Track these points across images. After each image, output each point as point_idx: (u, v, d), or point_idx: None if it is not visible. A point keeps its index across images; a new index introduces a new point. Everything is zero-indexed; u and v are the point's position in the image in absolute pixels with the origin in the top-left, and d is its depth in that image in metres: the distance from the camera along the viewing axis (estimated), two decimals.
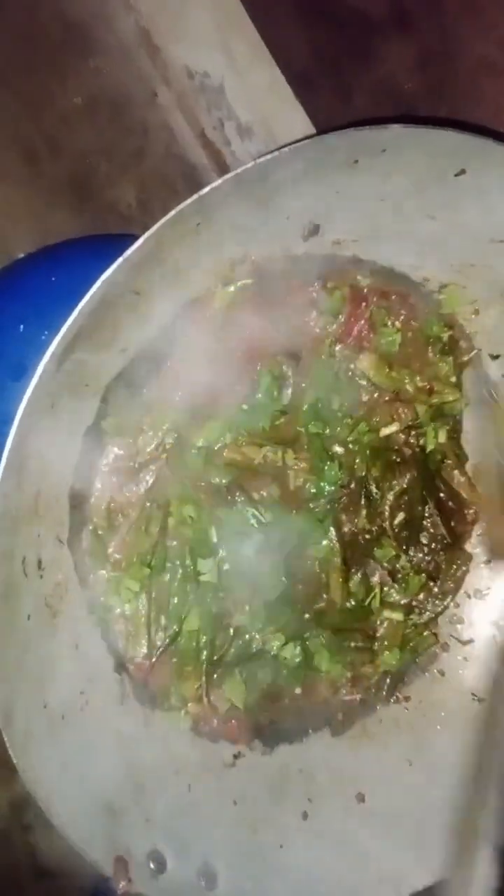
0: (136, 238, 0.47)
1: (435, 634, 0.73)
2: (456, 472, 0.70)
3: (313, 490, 0.65)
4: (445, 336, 0.69)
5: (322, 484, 0.65)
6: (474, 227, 0.60)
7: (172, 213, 0.46)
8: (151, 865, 0.58)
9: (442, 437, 0.68)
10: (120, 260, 0.46)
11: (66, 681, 0.58)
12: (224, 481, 0.64)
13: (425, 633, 0.72)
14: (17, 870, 1.12)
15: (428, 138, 0.50)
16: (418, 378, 0.69)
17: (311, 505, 0.65)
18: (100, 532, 0.60)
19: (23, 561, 0.53)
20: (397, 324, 0.68)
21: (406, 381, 0.68)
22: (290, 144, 0.46)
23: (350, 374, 0.68)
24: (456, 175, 0.54)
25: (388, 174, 0.54)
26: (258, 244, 0.58)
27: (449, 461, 0.69)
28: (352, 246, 0.63)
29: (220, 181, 0.46)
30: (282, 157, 0.47)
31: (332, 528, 0.67)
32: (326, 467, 0.64)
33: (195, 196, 0.46)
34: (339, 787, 0.70)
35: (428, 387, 0.69)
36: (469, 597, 0.75)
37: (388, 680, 0.72)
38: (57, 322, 0.49)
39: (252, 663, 0.66)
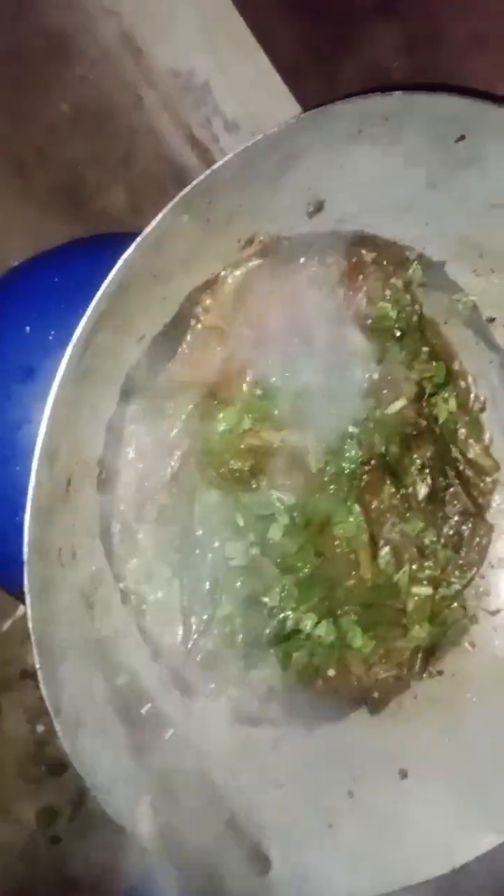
0: (135, 237, 0.47)
1: (463, 607, 0.73)
2: (471, 440, 0.70)
3: (334, 471, 0.65)
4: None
5: (343, 464, 0.65)
6: (475, 193, 0.61)
7: (185, 190, 0.47)
8: None
9: (452, 406, 0.69)
10: (138, 240, 0.46)
11: (108, 671, 0.58)
12: (245, 467, 0.64)
13: (453, 606, 0.72)
14: (45, 882, 1.12)
15: (429, 104, 0.50)
16: (400, 350, 0.69)
17: (334, 486, 0.65)
18: (129, 521, 0.60)
19: (58, 553, 0.53)
20: (397, 296, 0.68)
21: (389, 351, 0.68)
22: (296, 116, 0.47)
23: (349, 349, 0.68)
24: (456, 141, 0.55)
25: (390, 144, 0.54)
26: (265, 223, 0.59)
27: (463, 429, 0.70)
28: (355, 221, 0.63)
29: (229, 156, 0.47)
30: (288, 130, 0.47)
31: (356, 507, 0.66)
32: (345, 447, 0.64)
33: (207, 172, 0.46)
34: (381, 765, 0.70)
35: (408, 360, 0.69)
36: (493, 567, 0.76)
37: (419, 655, 0.72)
38: (63, 322, 0.50)
39: (287, 644, 0.66)
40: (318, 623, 0.66)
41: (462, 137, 0.55)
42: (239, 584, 0.64)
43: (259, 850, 0.61)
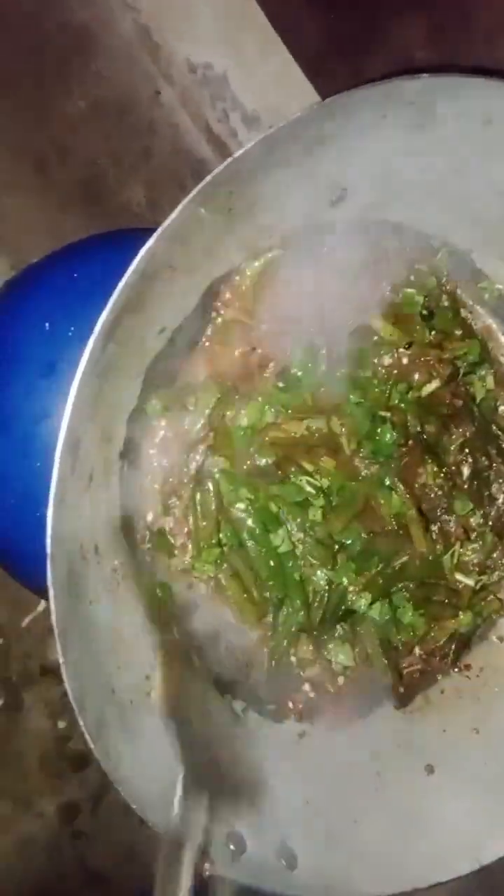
0: (154, 232, 0.47)
1: (500, 599, 0.71)
2: None
3: (370, 452, 0.64)
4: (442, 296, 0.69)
5: (378, 446, 0.64)
6: (501, 179, 0.60)
7: (207, 179, 0.46)
8: (231, 847, 0.57)
9: (490, 383, 0.68)
10: (160, 230, 0.45)
11: (131, 666, 0.57)
12: (270, 461, 0.64)
13: (490, 598, 0.71)
14: (67, 877, 1.13)
15: (456, 87, 0.49)
16: (429, 332, 0.68)
17: (371, 468, 0.64)
18: (154, 515, 0.60)
19: (80, 546, 0.53)
20: (422, 281, 0.67)
21: (417, 335, 0.67)
22: (320, 102, 0.46)
23: (375, 338, 0.67)
24: (483, 125, 0.54)
25: (415, 129, 0.53)
26: (287, 213, 0.58)
27: (503, 406, 0.68)
28: (379, 209, 0.62)
29: (251, 144, 0.46)
30: (312, 115, 0.47)
31: (399, 484, 0.66)
32: (379, 431, 0.64)
33: (229, 160, 0.45)
34: (406, 760, 0.69)
35: (437, 341, 0.68)
36: None
37: (453, 646, 0.70)
38: (82, 317, 0.49)
39: (349, 621, 0.65)
40: (372, 603, 0.65)
41: (489, 122, 0.54)
42: (289, 566, 0.63)
43: (285, 845, 0.61)
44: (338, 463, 0.63)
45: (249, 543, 0.61)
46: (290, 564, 0.62)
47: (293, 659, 0.65)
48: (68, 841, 1.14)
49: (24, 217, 1.06)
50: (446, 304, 0.67)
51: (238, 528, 0.61)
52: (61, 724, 1.12)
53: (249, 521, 0.61)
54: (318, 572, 0.63)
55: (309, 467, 0.61)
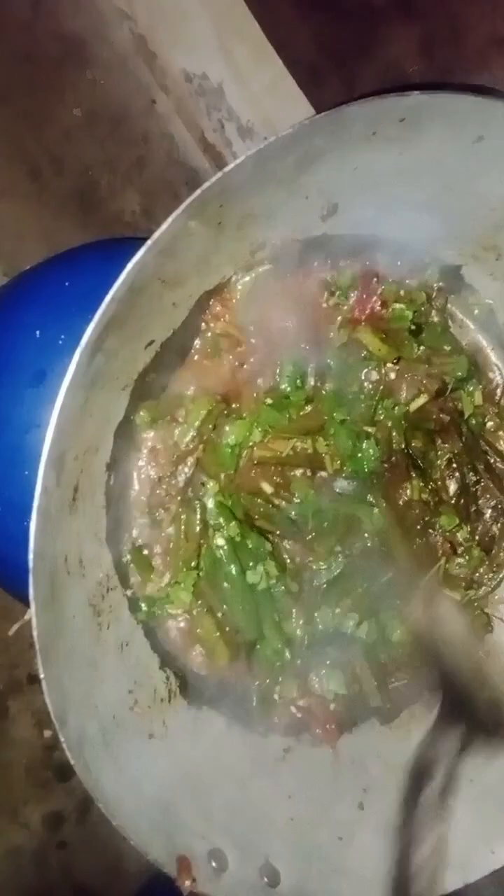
0: (145, 241, 0.47)
1: (487, 615, 0.71)
2: (501, 432, 0.69)
3: (352, 470, 0.64)
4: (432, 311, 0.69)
5: (361, 463, 0.64)
6: (492, 196, 0.60)
7: (197, 192, 0.46)
8: (213, 864, 0.56)
9: (478, 399, 0.68)
10: (149, 242, 0.45)
11: (114, 681, 0.57)
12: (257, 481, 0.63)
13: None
14: (53, 887, 1.12)
15: (446, 104, 0.50)
16: (417, 347, 0.68)
17: (353, 485, 0.64)
18: (140, 527, 0.60)
19: (65, 559, 0.52)
20: (412, 296, 0.67)
21: (405, 350, 0.67)
22: (311, 117, 0.46)
23: (363, 353, 0.67)
24: (474, 142, 0.54)
25: (406, 145, 0.53)
26: (277, 227, 0.58)
27: (491, 422, 0.68)
28: (370, 224, 0.62)
29: (242, 158, 0.46)
30: (302, 131, 0.47)
31: (381, 501, 0.65)
32: (364, 446, 0.63)
33: (220, 174, 0.45)
34: (392, 775, 0.68)
35: (426, 357, 0.68)
36: None
37: None
38: (73, 326, 0.49)
39: (336, 648, 0.65)
40: (359, 623, 0.65)
41: (480, 138, 0.54)
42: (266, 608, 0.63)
43: (268, 862, 0.60)
44: (316, 484, 0.63)
45: (227, 571, 0.61)
46: (267, 603, 0.62)
47: (276, 697, 0.64)
48: (54, 852, 1.13)
49: (17, 224, 1.06)
50: (435, 319, 0.67)
51: (217, 557, 0.61)
52: (47, 734, 1.11)
53: (228, 555, 0.61)
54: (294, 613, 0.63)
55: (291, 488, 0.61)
